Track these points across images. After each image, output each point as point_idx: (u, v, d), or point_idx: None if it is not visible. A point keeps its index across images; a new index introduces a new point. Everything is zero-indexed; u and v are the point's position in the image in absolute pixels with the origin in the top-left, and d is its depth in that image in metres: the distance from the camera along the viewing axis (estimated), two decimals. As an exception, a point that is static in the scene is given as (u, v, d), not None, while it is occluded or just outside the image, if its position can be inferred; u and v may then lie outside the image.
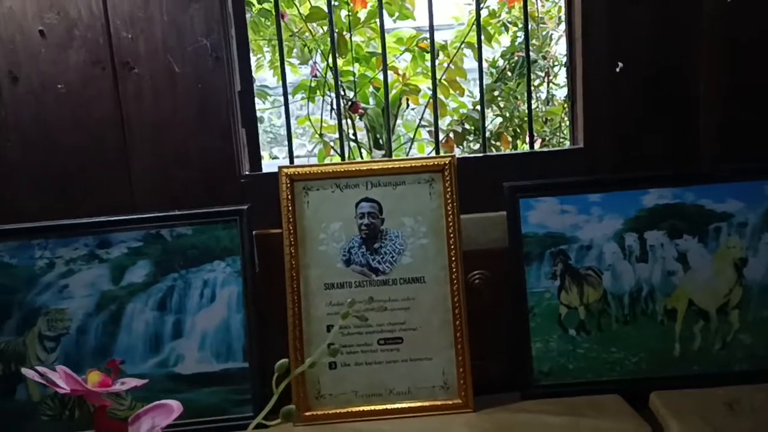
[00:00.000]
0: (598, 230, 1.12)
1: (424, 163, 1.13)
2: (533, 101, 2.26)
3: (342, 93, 2.08)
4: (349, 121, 2.08)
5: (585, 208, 1.13)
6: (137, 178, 1.13)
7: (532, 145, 1.29)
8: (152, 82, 1.12)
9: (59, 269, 1.09)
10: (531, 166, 1.18)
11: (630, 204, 1.12)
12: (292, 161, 1.27)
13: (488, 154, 1.28)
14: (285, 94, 1.28)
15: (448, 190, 1.12)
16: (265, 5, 2.03)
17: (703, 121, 1.17)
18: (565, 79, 2.33)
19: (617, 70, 1.14)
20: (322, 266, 1.12)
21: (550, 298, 1.12)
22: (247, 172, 1.18)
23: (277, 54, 2.33)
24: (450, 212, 1.11)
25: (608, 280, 1.12)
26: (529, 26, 2.20)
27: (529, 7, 2.24)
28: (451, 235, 1.11)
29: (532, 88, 2.22)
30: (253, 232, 1.11)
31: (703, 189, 1.12)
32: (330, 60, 2.01)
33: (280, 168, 1.12)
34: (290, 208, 1.12)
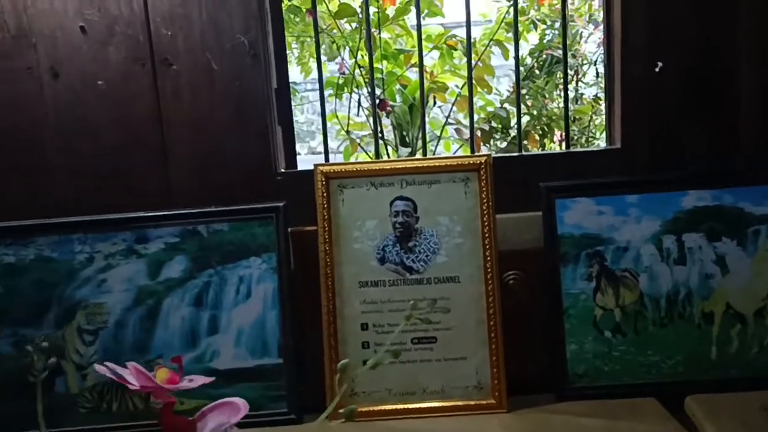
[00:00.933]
0: (635, 232, 1.11)
1: (459, 162, 1.13)
2: (560, 100, 2.25)
3: (369, 90, 2.08)
4: (375, 119, 2.08)
5: (622, 209, 1.12)
6: (175, 174, 1.14)
7: (568, 145, 1.28)
8: (190, 79, 1.12)
9: (98, 264, 1.10)
10: (566, 166, 1.17)
11: (668, 205, 1.11)
12: (327, 159, 1.27)
13: (523, 153, 1.27)
14: (321, 93, 1.28)
15: (484, 189, 1.11)
16: (294, 1, 2.03)
17: (744, 121, 1.15)
18: (594, 78, 2.32)
19: (656, 69, 1.13)
20: (357, 264, 1.13)
21: (585, 300, 1.12)
22: (282, 170, 1.18)
23: (304, 51, 2.34)
24: (485, 211, 1.11)
25: (645, 282, 1.11)
26: (560, 24, 2.19)
27: (558, 5, 2.24)
28: (487, 235, 1.11)
29: (561, 86, 2.22)
30: (289, 229, 1.12)
31: (742, 191, 1.11)
32: (358, 57, 2.01)
33: (315, 166, 1.13)
34: (325, 205, 1.12)
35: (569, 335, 1.11)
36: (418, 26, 1.28)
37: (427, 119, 2.28)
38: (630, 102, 1.15)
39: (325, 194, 1.12)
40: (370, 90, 2.04)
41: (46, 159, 1.13)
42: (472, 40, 2.11)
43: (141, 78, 1.12)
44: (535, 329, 1.13)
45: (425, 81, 2.16)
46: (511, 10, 2.01)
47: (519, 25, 2.09)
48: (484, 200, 1.11)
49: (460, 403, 1.10)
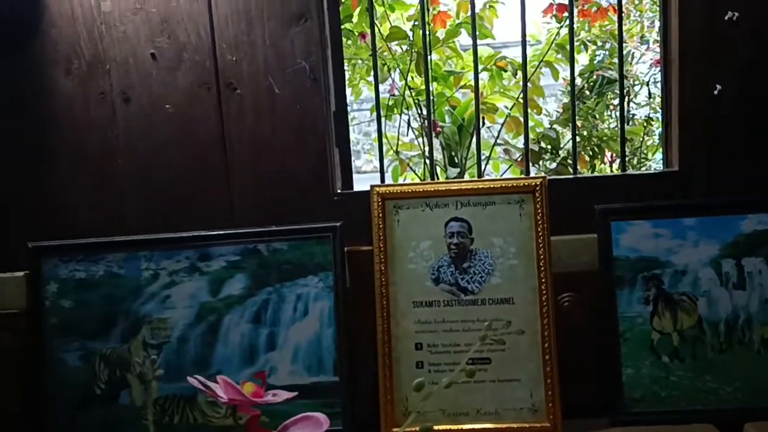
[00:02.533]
0: (693, 255, 1.10)
1: (514, 184, 1.14)
2: (612, 121, 2.24)
3: (419, 111, 2.11)
4: (425, 139, 2.10)
5: (680, 232, 1.11)
6: (237, 195, 1.18)
7: (624, 168, 1.27)
8: (253, 102, 1.16)
9: (163, 280, 1.15)
10: (622, 189, 1.17)
11: (727, 229, 1.10)
12: (383, 180, 1.29)
13: (578, 175, 1.27)
14: (378, 118, 1.31)
15: (539, 211, 1.12)
16: (347, 25, 2.07)
17: (804, 145, 1.13)
18: (646, 98, 2.31)
19: (715, 92, 1.12)
20: (411, 284, 1.14)
21: (642, 323, 1.11)
22: (339, 190, 1.21)
23: (355, 73, 2.38)
24: (540, 233, 1.11)
25: (703, 306, 1.10)
26: (610, 45, 2.19)
27: (609, 26, 2.24)
28: (542, 257, 1.11)
29: (611, 107, 2.21)
30: (345, 249, 1.14)
31: (805, 215, 1.09)
32: (408, 78, 2.04)
33: (372, 187, 1.15)
34: (381, 225, 1.14)
35: (625, 359, 1.11)
36: (474, 49, 1.30)
37: (475, 140, 2.29)
38: (688, 124, 1.14)
39: (381, 215, 1.15)
40: (419, 112, 2.07)
41: (116, 179, 1.19)
42: (521, 62, 2.12)
43: (206, 101, 1.16)
44: (589, 352, 1.13)
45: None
46: (561, 31, 2.03)
47: (569, 46, 2.10)
48: (539, 222, 1.12)
49: (514, 425, 1.10)
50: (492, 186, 1.14)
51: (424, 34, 1.34)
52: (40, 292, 1.14)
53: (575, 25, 2.17)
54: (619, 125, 2.23)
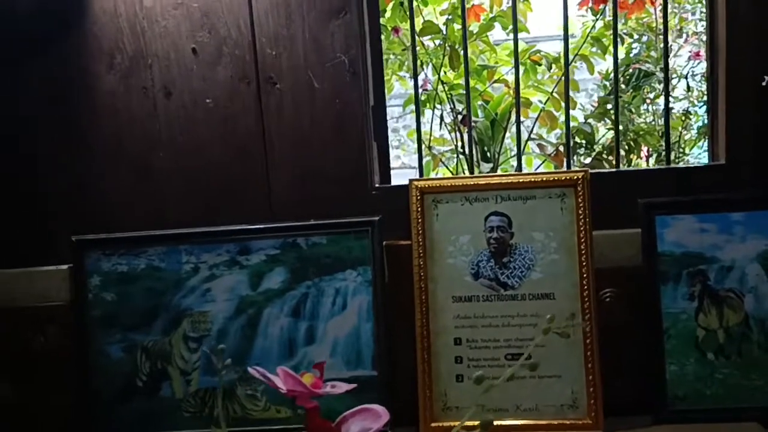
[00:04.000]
0: (740, 250, 1.08)
1: (555, 177, 1.12)
2: (648, 115, 2.20)
3: (452, 106, 2.09)
4: (457, 134, 2.09)
5: (726, 227, 1.08)
6: (276, 189, 1.18)
7: (668, 161, 1.25)
8: (293, 96, 1.17)
9: (203, 274, 1.15)
10: (666, 183, 1.15)
11: (776, 224, 1.07)
12: (421, 174, 1.29)
13: (621, 169, 1.25)
14: (417, 110, 1.30)
15: (581, 205, 1.10)
16: (381, 20, 2.06)
17: None
18: (684, 92, 2.26)
19: (763, 83, 1.09)
20: (450, 279, 1.13)
21: (686, 320, 1.09)
22: (378, 184, 1.21)
23: (388, 68, 2.37)
24: (582, 228, 1.10)
25: (750, 303, 1.08)
26: (647, 38, 2.15)
27: (646, 18, 2.20)
28: (583, 252, 1.10)
29: (648, 101, 2.17)
30: (384, 243, 1.14)
31: None
32: (441, 73, 2.03)
33: (410, 181, 1.14)
34: (420, 220, 1.14)
35: (669, 356, 1.09)
36: (515, 43, 1.28)
37: (508, 134, 2.27)
38: (735, 117, 1.12)
39: (419, 209, 1.14)
40: (452, 107, 2.06)
41: (157, 173, 1.20)
42: (556, 55, 2.10)
43: (246, 96, 1.17)
44: (632, 349, 1.11)
45: (508, 96, 2.16)
46: (597, 24, 2.00)
47: (605, 39, 2.07)
48: (581, 216, 1.10)
49: (554, 421, 1.09)
50: (533, 180, 1.13)
51: (464, 29, 1.32)
52: (84, 286, 1.16)
53: (610, 18, 2.15)
54: (656, 119, 2.21)
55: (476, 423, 0.58)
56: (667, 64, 1.25)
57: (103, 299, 1.16)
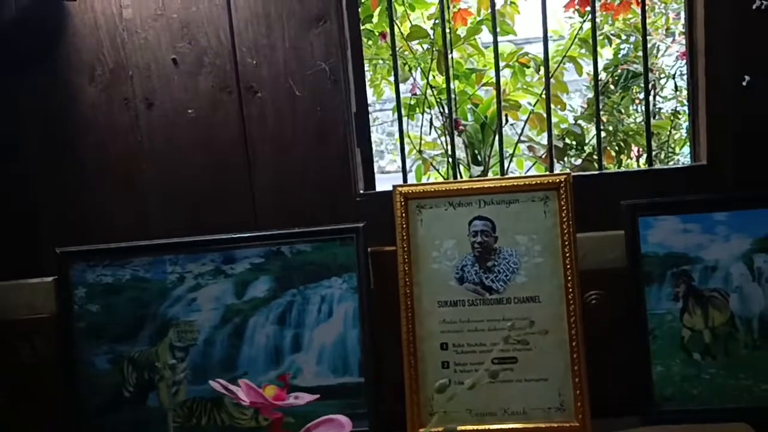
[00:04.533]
0: (724, 250, 1.08)
1: (538, 181, 1.12)
2: (638, 115, 2.20)
3: (441, 110, 2.10)
4: (447, 138, 2.09)
5: (709, 227, 1.08)
6: (260, 197, 1.18)
7: (650, 162, 1.25)
8: (274, 105, 1.17)
9: (188, 283, 1.15)
10: (649, 184, 1.15)
11: (759, 223, 1.07)
12: (405, 180, 1.29)
13: (604, 171, 1.25)
14: (400, 118, 1.30)
15: (564, 208, 1.10)
16: (367, 26, 2.07)
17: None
18: (672, 92, 2.27)
19: (744, 83, 1.09)
20: (436, 284, 1.13)
21: (672, 321, 1.09)
22: (362, 191, 1.21)
23: (377, 73, 2.38)
24: (566, 230, 1.10)
25: (735, 302, 1.08)
26: (635, 38, 2.16)
27: (633, 19, 2.20)
28: (567, 254, 1.10)
29: (637, 101, 2.18)
30: (369, 249, 1.14)
31: (839, 207, 1.06)
32: (430, 77, 2.04)
33: (394, 187, 1.14)
34: (404, 226, 1.14)
35: (655, 357, 1.09)
36: (495, 46, 1.28)
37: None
38: (716, 117, 1.12)
39: (403, 215, 1.14)
40: (441, 111, 2.06)
41: (139, 183, 1.20)
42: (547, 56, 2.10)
43: (228, 105, 1.17)
44: (618, 350, 1.11)
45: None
46: (584, 26, 2.01)
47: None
48: (564, 219, 1.10)
49: (542, 425, 1.09)
50: (515, 184, 1.13)
51: (443, 32, 1.32)
52: (69, 297, 1.16)
53: (599, 20, 2.16)
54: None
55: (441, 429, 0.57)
56: (646, 65, 1.25)
57: (88, 311, 1.16)
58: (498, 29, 2.08)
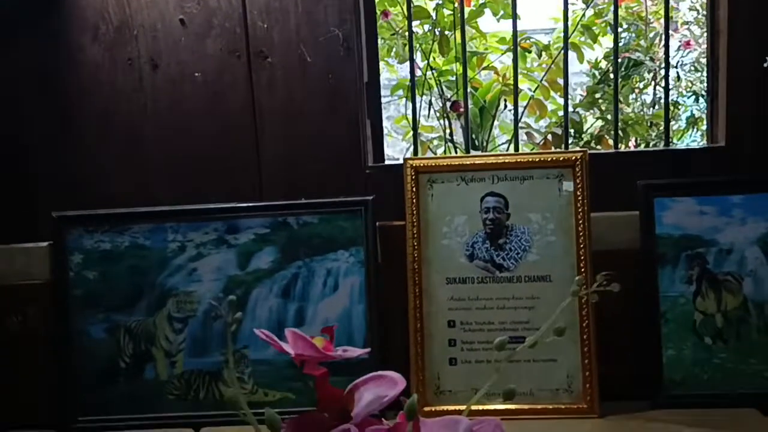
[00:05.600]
0: (739, 233, 1.06)
1: (554, 158, 1.10)
2: (637, 105, 2.19)
3: (440, 92, 2.07)
4: (446, 121, 2.07)
5: (726, 209, 1.07)
6: (266, 166, 1.15)
7: (667, 142, 1.24)
8: (284, 71, 1.13)
9: (189, 252, 1.11)
10: (665, 164, 1.13)
11: (776, 207, 1.06)
12: (416, 153, 1.26)
13: (620, 150, 1.23)
14: (413, 92, 1.28)
15: (579, 186, 1.08)
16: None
17: None
18: (674, 81, 2.26)
19: (765, 65, 1.08)
20: (445, 260, 1.11)
21: (684, 304, 1.07)
22: (371, 163, 1.18)
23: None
24: (580, 209, 1.08)
25: (749, 286, 1.06)
26: (638, 26, 2.15)
27: (636, 7, 2.19)
28: (581, 234, 1.08)
29: (637, 91, 2.17)
30: (377, 223, 1.11)
31: None
32: (430, 59, 2.01)
33: (405, 160, 1.12)
34: (414, 200, 1.11)
35: (666, 340, 1.07)
36: (513, 23, 1.25)
37: (497, 122, 2.26)
38: (736, 100, 1.10)
39: (414, 189, 1.11)
40: (441, 93, 2.03)
41: (142, 148, 1.16)
42: (546, 42, 2.09)
43: (236, 70, 1.13)
44: (629, 333, 1.09)
45: (497, 84, 2.14)
46: (587, 13, 1.99)
47: (595, 27, 2.06)
48: (579, 198, 1.08)
49: (549, 406, 1.07)
50: (530, 159, 1.10)
51: (462, 11, 1.29)
52: (65, 263, 1.11)
53: (601, 7, 2.14)
54: (644, 108, 2.21)
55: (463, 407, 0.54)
56: (667, 45, 1.23)
57: (84, 278, 1.11)
58: (502, 12, 2.07)
